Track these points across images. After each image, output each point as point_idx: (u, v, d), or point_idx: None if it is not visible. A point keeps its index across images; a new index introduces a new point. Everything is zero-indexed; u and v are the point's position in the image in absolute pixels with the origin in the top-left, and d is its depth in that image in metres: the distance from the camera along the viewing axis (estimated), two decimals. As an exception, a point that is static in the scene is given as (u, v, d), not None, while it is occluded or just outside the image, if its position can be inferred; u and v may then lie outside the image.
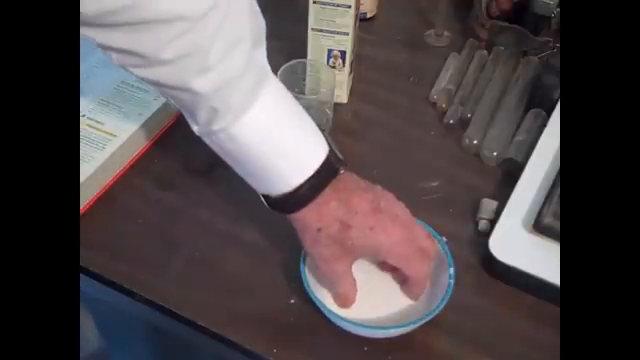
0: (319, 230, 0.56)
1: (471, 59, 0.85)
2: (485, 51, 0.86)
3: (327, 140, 0.57)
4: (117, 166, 0.72)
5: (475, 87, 0.82)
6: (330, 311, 0.58)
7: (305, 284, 0.59)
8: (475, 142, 0.75)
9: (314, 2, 0.74)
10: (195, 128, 0.55)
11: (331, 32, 0.76)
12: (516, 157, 0.73)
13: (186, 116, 0.56)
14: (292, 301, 0.62)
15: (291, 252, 0.63)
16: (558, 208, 0.63)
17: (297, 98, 0.58)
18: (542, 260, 0.62)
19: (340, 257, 0.58)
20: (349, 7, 0.74)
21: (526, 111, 0.77)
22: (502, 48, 0.85)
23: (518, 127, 0.76)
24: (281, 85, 0.56)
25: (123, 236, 0.68)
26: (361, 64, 0.84)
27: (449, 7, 0.90)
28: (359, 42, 0.82)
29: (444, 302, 0.58)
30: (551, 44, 0.83)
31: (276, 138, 0.54)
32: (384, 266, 0.63)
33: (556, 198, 0.64)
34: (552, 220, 0.63)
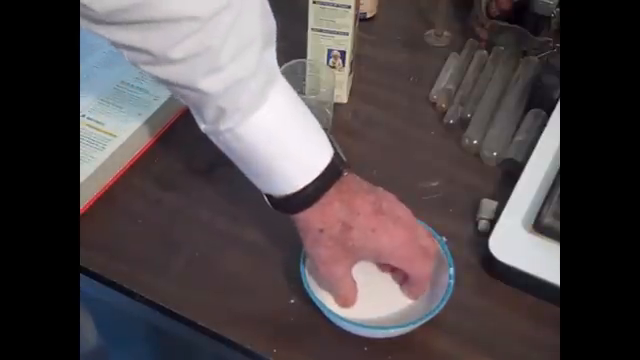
0: (321, 231, 0.56)
1: (471, 59, 0.85)
2: (485, 51, 0.86)
3: (331, 142, 0.57)
4: (117, 166, 0.72)
5: (475, 87, 0.82)
6: (330, 311, 0.58)
7: (305, 284, 0.59)
8: (475, 142, 0.75)
9: (314, 2, 0.74)
10: (202, 126, 0.55)
11: (331, 32, 0.76)
12: (516, 157, 0.73)
13: (193, 113, 0.56)
14: (292, 301, 0.62)
15: (291, 252, 0.63)
16: (558, 208, 0.63)
17: (297, 98, 0.58)
18: (542, 260, 0.62)
19: (340, 259, 0.58)
20: (349, 7, 0.73)
21: (526, 111, 0.77)
22: (502, 48, 0.85)
23: (518, 127, 0.76)
24: (288, 85, 0.56)
25: (123, 236, 0.68)
26: (361, 64, 0.84)
27: (449, 7, 0.90)
28: (359, 42, 0.82)
29: (444, 302, 0.58)
30: (551, 44, 0.83)
31: (282, 139, 0.54)
32: (383, 266, 0.63)
33: (556, 198, 0.64)
34: (552, 220, 0.63)
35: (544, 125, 0.73)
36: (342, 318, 0.58)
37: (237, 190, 0.70)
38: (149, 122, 0.74)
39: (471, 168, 0.74)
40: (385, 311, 0.61)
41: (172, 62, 0.50)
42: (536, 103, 0.77)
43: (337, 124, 0.78)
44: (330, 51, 0.77)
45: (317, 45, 0.77)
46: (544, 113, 0.76)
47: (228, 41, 0.50)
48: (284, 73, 0.70)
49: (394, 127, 0.79)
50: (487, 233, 0.65)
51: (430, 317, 0.58)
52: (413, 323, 0.58)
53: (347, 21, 0.75)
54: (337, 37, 0.76)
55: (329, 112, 0.76)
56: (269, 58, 0.54)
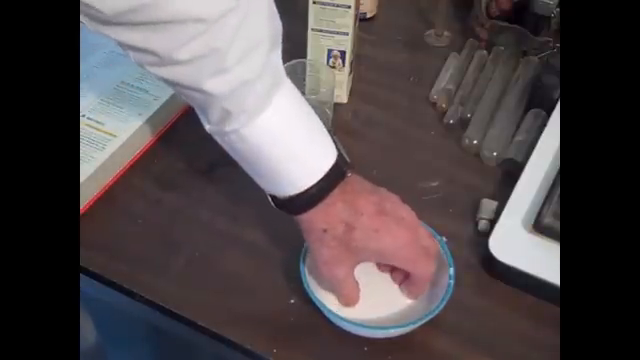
0: (325, 231, 0.56)
1: (471, 59, 0.85)
2: (485, 51, 0.86)
3: (335, 142, 0.57)
4: (117, 166, 0.72)
5: (475, 87, 0.82)
6: (330, 311, 0.58)
7: (305, 284, 0.59)
8: (475, 142, 0.75)
9: (314, 2, 0.74)
10: (207, 127, 0.55)
11: (331, 32, 0.76)
12: (516, 157, 0.73)
13: (198, 114, 0.56)
14: (292, 301, 0.62)
15: (291, 252, 0.63)
16: (558, 208, 0.63)
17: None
18: (542, 260, 0.62)
19: (343, 260, 0.58)
20: (349, 7, 0.74)
21: (526, 111, 0.77)
22: (502, 48, 0.85)
23: (518, 127, 0.76)
24: (293, 86, 0.56)
25: (123, 236, 0.68)
26: (361, 64, 0.84)
27: (449, 7, 0.90)
28: (359, 42, 0.82)
29: (444, 302, 0.58)
30: (551, 44, 0.83)
31: (287, 141, 0.54)
32: (382, 266, 0.63)
33: (556, 198, 0.64)
34: (552, 220, 0.63)
35: (544, 125, 0.73)
36: (342, 318, 0.58)
37: (237, 190, 0.70)
38: (149, 122, 0.74)
39: (471, 168, 0.74)
40: (385, 311, 0.61)
41: (178, 63, 0.50)
42: (536, 103, 0.77)
43: (337, 124, 0.78)
44: (330, 51, 0.77)
45: (317, 45, 0.77)
46: (544, 113, 0.76)
47: (234, 43, 0.50)
48: (284, 73, 0.71)
49: (394, 127, 0.79)
50: (487, 233, 0.65)
51: (430, 317, 0.58)
52: (413, 323, 0.58)
53: (347, 21, 0.75)
54: (337, 37, 0.76)
55: (329, 112, 0.76)
56: (275, 60, 0.54)
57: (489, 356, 0.59)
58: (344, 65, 0.78)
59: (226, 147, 0.56)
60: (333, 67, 0.78)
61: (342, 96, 0.81)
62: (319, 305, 0.58)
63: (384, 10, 0.94)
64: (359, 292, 0.61)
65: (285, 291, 0.63)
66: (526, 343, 0.60)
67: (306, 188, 0.55)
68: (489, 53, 0.85)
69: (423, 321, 0.58)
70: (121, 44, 0.51)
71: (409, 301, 0.62)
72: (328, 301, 0.60)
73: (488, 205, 0.69)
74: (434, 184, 0.73)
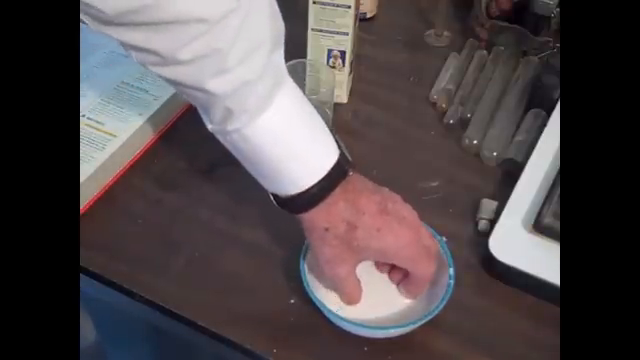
0: (327, 230, 0.56)
1: (471, 59, 0.85)
2: (485, 51, 0.86)
3: (337, 141, 0.57)
4: (117, 166, 0.72)
5: (475, 87, 0.82)
6: (330, 311, 0.58)
7: (305, 284, 0.59)
8: (475, 142, 0.75)
9: (314, 2, 0.74)
10: (209, 126, 0.55)
11: (331, 32, 0.76)
12: (516, 157, 0.73)
13: (201, 113, 0.56)
14: (292, 301, 0.62)
15: (291, 252, 0.63)
16: (558, 208, 0.63)
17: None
18: (542, 260, 0.62)
19: (344, 259, 0.58)
20: (349, 7, 0.74)
21: (526, 111, 0.77)
22: (502, 48, 0.85)
23: (518, 127, 0.76)
24: (295, 86, 0.56)
25: (123, 236, 0.68)
26: (361, 64, 0.84)
27: (449, 7, 0.90)
28: (359, 42, 0.82)
29: (444, 302, 0.58)
30: (551, 44, 0.83)
31: (289, 140, 0.54)
32: (380, 266, 0.63)
33: (556, 198, 0.64)
34: (552, 220, 0.63)
35: (544, 125, 0.73)
36: (342, 318, 0.58)
37: (237, 190, 0.70)
38: (149, 122, 0.74)
39: (471, 168, 0.74)
40: (385, 311, 0.61)
41: (180, 63, 0.50)
42: (536, 103, 0.77)
43: (337, 124, 0.78)
44: (330, 51, 0.77)
45: (317, 45, 0.77)
46: (544, 113, 0.76)
47: (236, 44, 0.50)
48: (284, 73, 0.71)
49: (394, 127, 0.79)
50: (487, 233, 0.65)
51: (430, 317, 0.58)
52: (413, 323, 0.58)
53: (347, 21, 0.75)
54: (337, 37, 0.76)
55: (329, 112, 0.76)
56: (277, 60, 0.54)
57: (489, 356, 0.59)
58: (344, 65, 0.78)
59: (228, 146, 0.56)
60: (333, 67, 0.78)
61: (342, 96, 0.81)
62: (319, 305, 0.58)
63: (384, 10, 0.94)
64: (361, 290, 0.61)
65: (285, 291, 0.63)
66: (526, 343, 0.60)
67: (308, 187, 0.55)
68: (489, 53, 0.85)
69: (423, 321, 0.58)
70: (123, 44, 0.51)
71: (409, 301, 0.62)
72: (328, 301, 0.60)
73: (488, 205, 0.69)
74: (434, 184, 0.73)
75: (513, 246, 0.64)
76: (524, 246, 0.64)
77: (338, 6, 0.74)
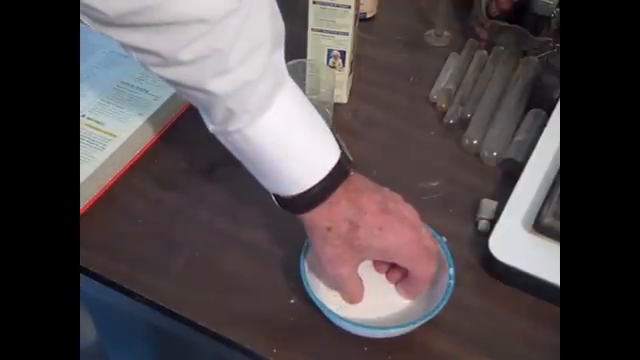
0: (329, 229, 0.56)
1: (471, 59, 0.85)
2: (485, 51, 0.86)
3: (338, 141, 0.57)
4: (117, 166, 0.72)
5: (475, 87, 0.82)
6: (330, 311, 0.58)
7: (305, 284, 0.59)
8: (475, 142, 0.75)
9: (314, 2, 0.74)
10: (210, 127, 0.55)
11: (331, 32, 0.76)
12: (516, 157, 0.73)
13: (202, 114, 0.56)
14: (292, 301, 0.62)
15: (291, 252, 0.63)
16: (558, 208, 0.63)
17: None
18: (542, 260, 0.62)
19: (346, 259, 0.58)
20: (349, 7, 0.74)
21: (526, 111, 0.77)
22: (502, 48, 0.85)
23: (518, 127, 0.76)
24: (295, 86, 0.56)
25: (123, 236, 0.68)
26: (361, 64, 0.84)
27: (449, 7, 0.90)
28: (359, 42, 0.82)
29: (444, 302, 0.58)
30: (551, 44, 0.83)
31: (290, 140, 0.54)
32: (379, 266, 0.63)
33: (556, 198, 0.64)
34: (552, 220, 0.63)
35: (544, 125, 0.73)
36: (342, 318, 0.58)
37: (237, 190, 0.70)
38: (149, 122, 0.74)
39: (471, 168, 0.74)
40: (385, 311, 0.61)
41: (181, 64, 0.50)
42: (536, 103, 0.77)
43: (337, 124, 0.78)
44: (330, 51, 0.77)
45: (317, 45, 0.77)
46: (544, 113, 0.76)
47: (237, 44, 0.50)
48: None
49: (394, 127, 0.79)
50: (487, 233, 0.65)
51: (430, 317, 0.58)
52: (413, 323, 0.58)
53: (347, 21, 0.75)
54: (337, 37, 0.76)
55: (329, 112, 0.76)
56: (277, 60, 0.54)
57: (489, 356, 0.59)
58: (344, 65, 0.78)
59: (229, 147, 0.56)
60: (333, 67, 0.78)
61: (342, 96, 0.81)
62: (319, 305, 0.58)
63: (384, 10, 0.94)
64: (363, 289, 0.61)
65: (285, 291, 0.63)
66: (526, 343, 0.60)
67: (309, 187, 0.55)
68: (489, 53, 0.85)
69: (423, 321, 0.58)
70: (124, 45, 0.51)
71: (409, 301, 0.62)
72: (328, 301, 0.60)
73: (488, 205, 0.69)
74: (434, 184, 0.73)
75: (513, 246, 0.64)
76: (524, 246, 0.64)
77: (338, 6, 0.74)
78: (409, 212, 0.59)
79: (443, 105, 0.80)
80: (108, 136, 0.72)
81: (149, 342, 0.90)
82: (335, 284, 0.61)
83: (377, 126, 0.79)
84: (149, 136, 0.75)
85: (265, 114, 0.53)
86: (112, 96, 0.76)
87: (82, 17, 0.49)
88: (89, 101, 0.75)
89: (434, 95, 0.82)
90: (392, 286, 0.63)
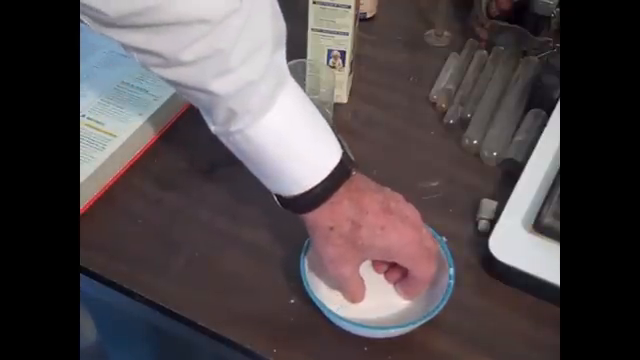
0: (331, 229, 0.56)
1: (471, 59, 0.85)
2: (485, 51, 0.86)
3: (339, 141, 0.57)
4: (117, 166, 0.72)
5: (475, 87, 0.82)
6: (330, 311, 0.58)
7: (305, 284, 0.59)
8: (475, 142, 0.75)
9: (314, 2, 0.74)
10: (212, 128, 0.55)
11: (331, 32, 0.76)
12: (516, 157, 0.73)
13: (203, 115, 0.56)
14: (292, 301, 0.62)
15: (291, 252, 0.63)
16: (558, 208, 0.63)
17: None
18: (542, 260, 0.62)
19: (348, 259, 0.58)
20: (349, 7, 0.74)
21: (526, 111, 0.77)
22: (502, 48, 0.85)
23: (518, 127, 0.76)
24: (297, 86, 0.56)
25: (123, 236, 0.68)
26: (361, 64, 0.84)
27: (449, 7, 0.90)
28: (359, 42, 0.82)
29: (444, 302, 0.58)
30: (551, 44, 0.83)
31: (292, 140, 0.54)
32: (378, 266, 0.63)
33: (556, 198, 0.64)
34: (552, 220, 0.63)
35: (544, 125, 0.73)
36: (342, 318, 0.58)
37: (237, 190, 0.70)
38: (149, 122, 0.74)
39: (471, 168, 0.74)
40: (385, 311, 0.61)
41: (182, 64, 0.50)
42: (536, 103, 0.77)
43: (337, 124, 0.77)
44: (330, 51, 0.77)
45: (317, 45, 0.77)
46: (544, 113, 0.76)
47: (238, 44, 0.50)
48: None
49: (394, 127, 0.79)
50: (487, 233, 0.65)
51: (430, 317, 0.58)
52: (413, 323, 0.58)
53: (347, 21, 0.75)
54: (337, 37, 0.76)
55: (329, 112, 0.76)
56: (279, 60, 0.54)
57: (489, 356, 0.59)
58: (344, 65, 0.78)
59: (231, 148, 0.56)
60: (333, 67, 0.78)
61: (342, 96, 0.81)
62: (319, 305, 0.58)
63: (384, 10, 0.94)
64: (365, 289, 0.61)
65: (285, 291, 0.63)
66: (526, 343, 0.60)
67: (311, 187, 0.55)
68: (489, 53, 0.85)
69: (423, 321, 0.58)
70: (124, 46, 0.51)
71: (409, 301, 0.62)
72: (328, 301, 0.60)
73: (488, 205, 0.69)
74: (434, 184, 0.73)
75: (513, 246, 0.64)
76: (524, 246, 0.64)
77: (338, 6, 0.74)
78: (410, 212, 0.59)
79: (443, 105, 0.80)
80: (108, 136, 0.72)
81: (149, 342, 0.91)
82: (337, 284, 0.61)
83: (377, 126, 0.79)
84: (149, 136, 0.75)
85: (267, 114, 0.53)
86: (112, 96, 0.76)
87: (82, 17, 0.49)
88: (89, 101, 0.75)
89: (434, 95, 0.82)
90: (392, 286, 0.63)
